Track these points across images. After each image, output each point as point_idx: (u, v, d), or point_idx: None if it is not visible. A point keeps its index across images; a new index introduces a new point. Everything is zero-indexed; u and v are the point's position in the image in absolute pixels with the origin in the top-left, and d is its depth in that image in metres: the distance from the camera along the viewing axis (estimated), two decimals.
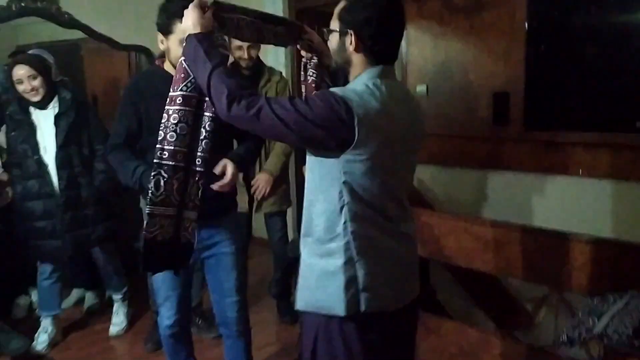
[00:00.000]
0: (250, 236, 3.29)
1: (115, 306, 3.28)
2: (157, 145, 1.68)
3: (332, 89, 1.46)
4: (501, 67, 3.21)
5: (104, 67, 3.08)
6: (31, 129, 2.85)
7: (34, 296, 3.54)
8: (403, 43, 3.70)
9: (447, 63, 3.47)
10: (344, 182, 1.46)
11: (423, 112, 1.70)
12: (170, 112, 1.67)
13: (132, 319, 3.36)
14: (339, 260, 1.50)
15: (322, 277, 1.54)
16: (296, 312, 3.23)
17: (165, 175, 1.68)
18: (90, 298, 3.55)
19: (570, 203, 3.04)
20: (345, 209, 1.48)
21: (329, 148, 1.43)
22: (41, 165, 2.86)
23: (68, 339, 3.21)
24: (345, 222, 1.49)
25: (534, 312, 2.68)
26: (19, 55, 3.12)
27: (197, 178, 1.75)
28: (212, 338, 3.10)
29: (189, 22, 1.56)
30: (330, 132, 1.40)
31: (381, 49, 1.50)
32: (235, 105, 1.42)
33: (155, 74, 2.13)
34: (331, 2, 4.41)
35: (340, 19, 1.51)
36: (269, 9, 4.24)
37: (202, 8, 1.58)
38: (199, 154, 1.74)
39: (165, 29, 1.95)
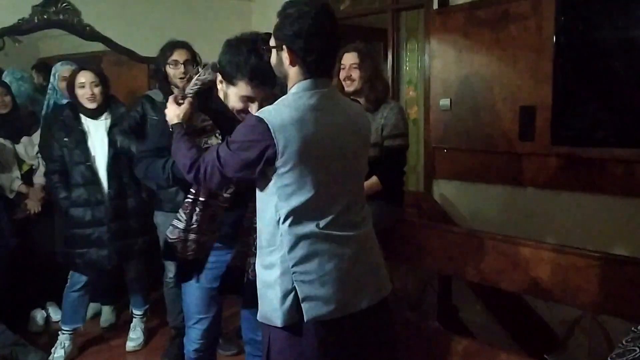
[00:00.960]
0: None
1: (134, 322, 3.24)
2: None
3: (257, 114, 1.53)
4: (528, 80, 3.15)
5: (124, 78, 3.10)
6: (83, 136, 2.89)
7: (51, 310, 3.52)
8: (425, 56, 3.67)
9: (471, 77, 3.41)
10: (278, 196, 1.52)
11: (366, 120, 1.74)
12: None
13: (148, 335, 3.31)
14: (276, 272, 1.55)
15: (264, 288, 1.60)
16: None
17: (197, 209, 1.85)
18: (106, 313, 3.51)
19: (601, 221, 2.95)
20: (280, 222, 1.53)
21: (261, 167, 1.50)
22: (92, 172, 2.89)
23: (84, 354, 3.16)
24: (281, 235, 1.53)
25: (565, 335, 2.59)
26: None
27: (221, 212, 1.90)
28: (231, 355, 3.05)
29: (169, 115, 1.81)
30: (255, 150, 1.48)
31: (313, 61, 1.51)
32: (195, 173, 1.63)
33: None
34: (350, 16, 4.42)
35: (275, 35, 1.57)
36: None
37: (176, 102, 1.83)
38: (225, 195, 1.86)
39: (228, 78, 1.79)
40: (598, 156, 2.92)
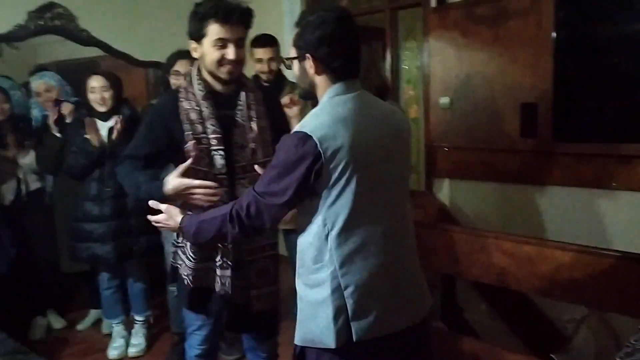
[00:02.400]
0: None
1: (136, 327, 3.23)
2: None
3: (297, 129, 1.47)
4: (528, 77, 3.12)
5: (122, 82, 3.09)
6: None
7: (51, 317, 3.50)
8: (424, 54, 3.65)
9: (471, 74, 3.39)
10: (326, 209, 1.46)
11: (404, 121, 1.68)
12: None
13: (150, 340, 3.29)
14: (326, 290, 1.48)
15: (312, 308, 1.52)
16: None
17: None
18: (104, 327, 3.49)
19: (605, 217, 2.92)
20: (330, 237, 1.47)
21: (314, 183, 1.44)
22: (103, 169, 2.96)
23: None
24: (330, 250, 1.47)
25: (571, 333, 2.56)
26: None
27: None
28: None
29: (169, 224, 1.73)
30: (303, 167, 1.42)
31: (340, 66, 1.49)
32: (238, 224, 1.53)
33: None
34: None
35: (296, 45, 1.55)
36: (287, 22, 4.21)
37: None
38: None
39: (197, 34, 1.83)
40: (601, 152, 2.89)
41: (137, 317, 3.24)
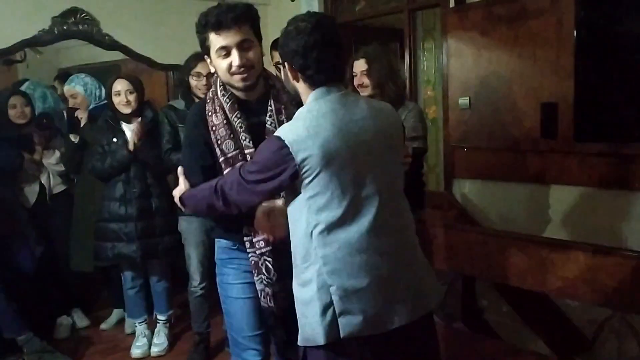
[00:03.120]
0: None
1: (158, 327, 3.27)
2: (254, 239, 1.78)
3: (276, 133, 1.52)
4: (548, 77, 3.10)
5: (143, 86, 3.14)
6: (124, 136, 3.02)
7: (76, 317, 3.56)
8: (443, 54, 3.64)
9: (490, 74, 3.37)
10: (308, 207, 1.49)
11: (395, 118, 1.68)
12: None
13: (172, 340, 3.33)
14: (313, 288, 1.50)
15: (304, 307, 1.54)
16: None
17: (270, 259, 1.78)
18: (130, 319, 3.54)
19: (628, 218, 2.88)
20: (314, 235, 1.49)
21: (288, 184, 1.50)
22: (129, 170, 3.00)
23: None
24: (315, 249, 1.49)
25: (594, 335, 2.54)
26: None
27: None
28: None
29: (176, 196, 1.79)
30: (275, 170, 1.48)
31: (315, 74, 1.52)
32: (222, 196, 1.60)
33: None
34: (366, 17, 4.43)
35: (279, 52, 1.61)
36: None
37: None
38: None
39: (203, 48, 1.77)
40: (623, 152, 2.86)
41: (160, 317, 3.28)
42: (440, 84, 4.07)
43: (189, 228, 2.92)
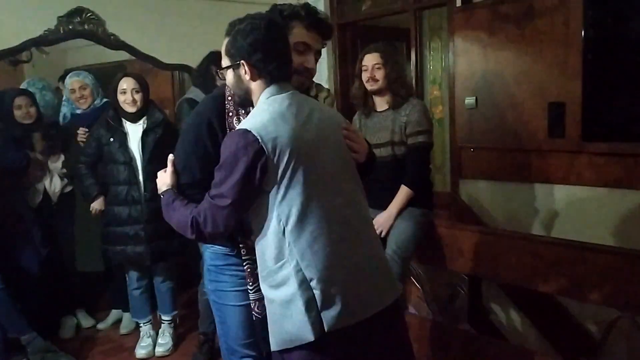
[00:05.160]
0: None
1: (162, 327, 3.26)
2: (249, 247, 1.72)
3: (239, 126, 1.50)
4: (556, 76, 3.07)
5: (149, 86, 3.13)
6: (125, 137, 3.01)
7: (80, 316, 3.56)
8: (449, 54, 3.62)
9: (497, 74, 3.35)
10: (278, 204, 1.47)
11: (338, 114, 1.73)
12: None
13: (176, 340, 3.32)
14: (293, 286, 1.48)
15: (283, 308, 1.51)
16: None
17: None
18: (127, 319, 3.53)
19: (636, 218, 2.85)
20: (286, 232, 1.47)
21: (259, 176, 1.45)
22: (132, 172, 2.99)
23: None
24: (289, 245, 1.48)
25: (602, 337, 2.50)
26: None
27: None
28: None
29: (159, 183, 1.73)
30: (246, 159, 1.43)
31: (274, 69, 1.53)
32: (196, 229, 1.54)
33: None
34: (371, 17, 4.42)
35: (228, 54, 1.57)
36: None
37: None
38: None
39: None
40: (631, 151, 2.83)
41: (165, 317, 3.27)
42: (446, 84, 4.05)
43: None
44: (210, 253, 1.86)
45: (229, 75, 1.58)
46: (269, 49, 1.51)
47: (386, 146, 2.63)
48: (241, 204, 1.49)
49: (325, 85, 3.87)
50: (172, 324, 3.29)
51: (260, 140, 1.43)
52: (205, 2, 4.15)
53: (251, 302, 1.75)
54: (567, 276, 2.27)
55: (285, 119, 1.48)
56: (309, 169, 1.48)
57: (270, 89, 1.54)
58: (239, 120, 1.67)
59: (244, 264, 1.74)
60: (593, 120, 2.97)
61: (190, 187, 1.69)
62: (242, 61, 1.52)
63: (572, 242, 2.35)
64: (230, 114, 1.70)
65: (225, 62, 1.58)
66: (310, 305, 1.47)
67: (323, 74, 4.29)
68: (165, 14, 4.02)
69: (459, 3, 3.53)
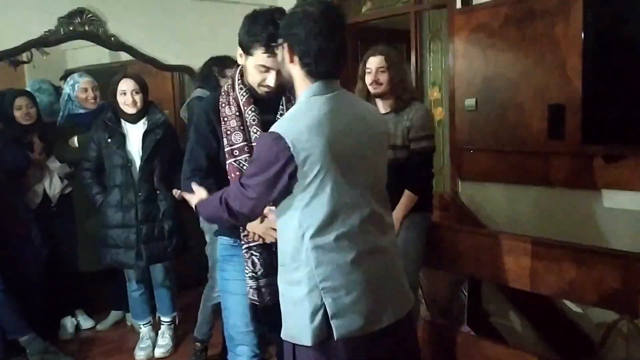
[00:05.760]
0: None
1: (162, 328, 3.27)
2: (242, 234, 1.86)
3: (272, 129, 1.48)
4: (556, 78, 3.07)
5: (149, 87, 3.13)
6: (123, 139, 3.00)
7: (80, 317, 3.56)
8: (449, 56, 3.62)
9: (497, 76, 3.35)
10: (301, 209, 1.46)
11: (382, 122, 1.68)
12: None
13: (176, 341, 3.31)
14: (304, 289, 1.48)
15: (291, 305, 1.53)
16: None
17: (257, 254, 1.86)
18: (128, 321, 3.53)
19: (636, 220, 2.85)
20: (305, 237, 1.47)
21: (285, 183, 1.45)
22: (129, 175, 2.97)
23: None
24: (306, 251, 1.47)
25: (601, 339, 2.50)
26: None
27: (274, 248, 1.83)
28: None
29: (192, 201, 1.79)
30: (275, 168, 1.43)
31: (315, 64, 1.47)
32: (227, 208, 1.58)
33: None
34: (371, 18, 4.41)
35: (279, 34, 1.56)
36: None
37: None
38: None
39: (244, 49, 1.81)
40: (631, 154, 2.83)
41: (164, 318, 3.27)
42: (446, 86, 4.05)
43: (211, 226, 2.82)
44: (220, 245, 2.02)
45: (279, 56, 1.60)
46: (314, 42, 1.45)
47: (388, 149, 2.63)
48: (265, 200, 1.53)
49: None
50: (172, 325, 3.29)
51: (291, 149, 1.41)
52: (206, 3, 4.16)
53: (248, 289, 1.87)
54: (566, 279, 2.27)
55: (322, 128, 1.43)
56: (337, 181, 1.45)
57: (314, 87, 1.49)
58: (231, 110, 1.86)
59: (244, 252, 1.85)
60: (593, 122, 2.96)
61: (197, 172, 1.89)
62: (284, 42, 1.51)
63: (571, 245, 2.35)
64: (223, 105, 1.87)
65: (279, 39, 1.58)
66: (315, 311, 1.47)
67: None
68: (165, 15, 4.02)
69: (459, 5, 3.53)
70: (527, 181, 3.30)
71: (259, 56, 1.76)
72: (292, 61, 1.50)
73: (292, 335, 1.54)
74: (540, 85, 3.15)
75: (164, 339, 3.23)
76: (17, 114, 3.24)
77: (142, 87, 3.02)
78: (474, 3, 3.47)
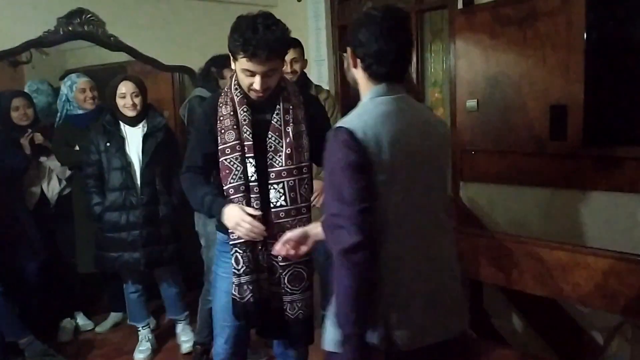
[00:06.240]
0: None
1: (179, 327, 3.29)
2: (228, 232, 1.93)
3: (339, 124, 1.43)
4: (558, 79, 3.05)
5: (149, 88, 3.13)
6: (122, 142, 2.98)
7: (79, 319, 3.54)
8: (451, 56, 3.60)
9: (498, 76, 3.32)
10: None
11: (444, 128, 1.64)
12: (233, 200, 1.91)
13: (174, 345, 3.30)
14: None
15: None
16: None
17: (240, 251, 1.91)
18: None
19: (639, 222, 2.83)
20: None
21: (371, 174, 1.38)
22: (129, 177, 2.95)
23: None
24: None
25: (605, 342, 2.48)
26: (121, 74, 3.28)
27: (260, 246, 1.95)
28: None
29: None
30: (355, 159, 1.36)
31: (375, 66, 1.47)
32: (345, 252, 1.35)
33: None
34: None
35: (346, 40, 1.58)
36: (312, 26, 4.20)
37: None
38: None
39: (232, 54, 1.87)
40: (634, 155, 2.80)
41: (179, 318, 3.28)
42: (447, 87, 4.03)
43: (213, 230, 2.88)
44: (217, 240, 2.13)
45: (345, 62, 1.60)
46: (376, 45, 1.45)
47: None
48: (369, 203, 1.37)
49: (326, 87, 3.85)
50: (188, 321, 3.28)
51: (361, 141, 1.37)
52: (206, 4, 4.14)
53: (233, 286, 1.94)
54: (569, 281, 2.25)
55: (386, 128, 1.40)
56: (400, 186, 1.41)
57: (378, 88, 1.48)
58: (227, 109, 1.91)
59: (232, 251, 1.92)
60: (595, 123, 2.94)
61: (192, 168, 2.03)
62: (348, 48, 1.53)
63: (574, 247, 2.33)
64: (221, 104, 1.94)
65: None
66: (376, 321, 1.40)
67: (323, 76, 4.27)
68: (165, 16, 4.01)
69: (460, 5, 3.51)
70: (528, 182, 3.28)
71: (241, 60, 1.80)
72: (355, 65, 1.51)
73: (337, 341, 1.45)
74: (542, 86, 3.12)
75: (186, 335, 3.23)
76: (14, 114, 3.24)
77: (142, 90, 3.01)
78: (475, 3, 3.45)
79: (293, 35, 3.18)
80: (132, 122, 3.00)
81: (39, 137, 3.26)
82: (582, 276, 2.22)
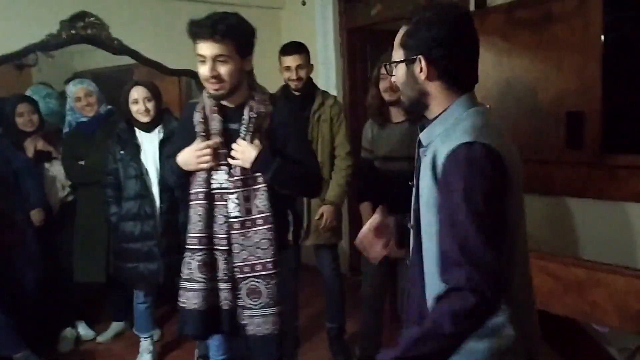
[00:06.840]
0: (297, 269, 3.07)
1: None
2: (187, 234, 1.99)
3: (468, 139, 1.20)
4: (574, 84, 2.93)
5: None
6: (137, 149, 2.90)
7: (80, 329, 3.48)
8: None
9: (512, 81, 3.21)
10: None
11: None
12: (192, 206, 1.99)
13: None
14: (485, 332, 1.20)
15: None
16: (349, 353, 3.01)
17: (189, 253, 1.99)
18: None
19: None
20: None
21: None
22: (144, 186, 2.87)
23: None
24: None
25: None
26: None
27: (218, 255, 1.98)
28: None
29: None
30: (496, 182, 1.18)
31: (459, 71, 1.29)
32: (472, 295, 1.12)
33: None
34: (380, 21, 4.30)
35: (404, 46, 1.31)
36: (319, 29, 4.11)
37: None
38: (220, 236, 1.96)
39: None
40: None
41: None
42: None
43: None
44: None
45: (400, 72, 1.33)
46: (456, 45, 1.27)
47: (400, 161, 2.51)
48: (503, 224, 1.19)
49: (333, 92, 3.76)
50: None
51: (504, 160, 1.20)
52: (210, 6, 4.02)
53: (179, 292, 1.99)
54: (587, 300, 2.15)
55: (503, 144, 1.23)
56: (516, 204, 1.26)
57: (463, 100, 1.29)
58: (199, 116, 1.95)
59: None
60: (614, 130, 2.84)
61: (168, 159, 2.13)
62: (419, 56, 1.27)
63: (592, 264, 2.22)
64: (197, 109, 1.98)
65: (397, 55, 1.33)
66: (493, 334, 1.21)
67: (331, 80, 4.17)
68: (169, 18, 3.94)
69: (472, 7, 3.40)
70: (543, 191, 3.16)
71: (195, 46, 1.84)
72: (430, 76, 1.28)
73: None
74: (558, 91, 3.01)
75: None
76: (19, 120, 3.20)
77: (155, 94, 2.90)
78: (488, 5, 3.35)
79: (300, 38, 3.13)
80: (147, 127, 2.90)
81: (40, 144, 3.21)
82: (600, 294, 2.11)
